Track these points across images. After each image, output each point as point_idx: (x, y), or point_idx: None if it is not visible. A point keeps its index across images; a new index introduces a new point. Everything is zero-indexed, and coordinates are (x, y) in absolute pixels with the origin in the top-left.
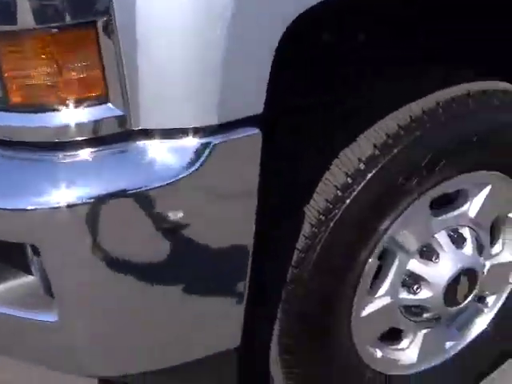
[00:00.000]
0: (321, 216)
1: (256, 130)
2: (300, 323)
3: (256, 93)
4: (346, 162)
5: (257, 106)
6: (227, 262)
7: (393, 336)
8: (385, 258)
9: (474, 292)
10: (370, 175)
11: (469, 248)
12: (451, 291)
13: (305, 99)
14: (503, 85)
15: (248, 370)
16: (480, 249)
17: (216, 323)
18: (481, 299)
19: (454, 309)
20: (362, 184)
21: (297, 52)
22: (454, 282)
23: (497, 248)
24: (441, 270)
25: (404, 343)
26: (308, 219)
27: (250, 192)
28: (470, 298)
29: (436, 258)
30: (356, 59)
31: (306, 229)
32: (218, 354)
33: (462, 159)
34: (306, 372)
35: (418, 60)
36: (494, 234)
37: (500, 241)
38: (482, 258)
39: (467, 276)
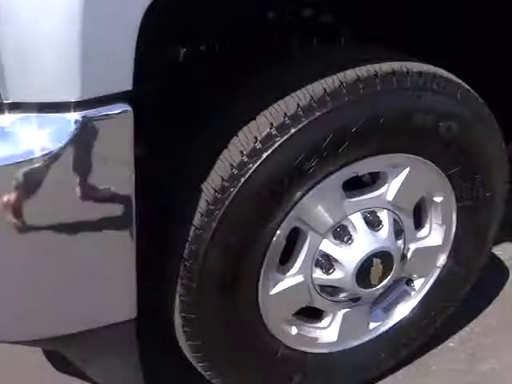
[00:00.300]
0: (216, 194)
1: (126, 107)
2: (199, 299)
3: (123, 69)
4: (243, 141)
5: (125, 83)
6: (109, 232)
7: (314, 314)
8: (297, 238)
9: (391, 275)
10: (265, 154)
11: (384, 231)
12: (364, 273)
13: (184, 77)
14: (419, 66)
15: (152, 340)
16: (399, 232)
17: (107, 293)
18: (408, 282)
19: (371, 290)
20: (258, 163)
21: (166, 29)
22: (367, 265)
23: (424, 232)
24: (352, 252)
25: (325, 322)
26: (205, 196)
27: (123, 168)
28: (385, 281)
29: (349, 240)
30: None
31: (203, 206)
32: (115, 324)
33: (368, 142)
34: (209, 345)
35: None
36: (422, 217)
37: (427, 225)
38: (402, 241)
39: (382, 259)
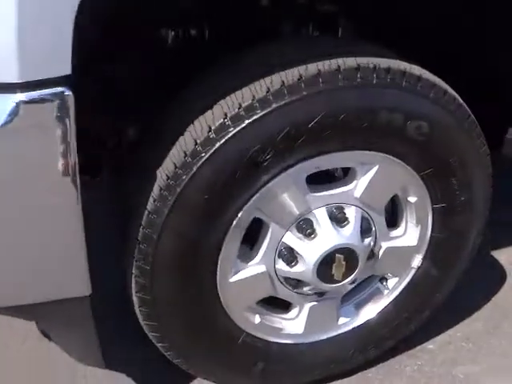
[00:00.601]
0: (169, 180)
1: (66, 91)
2: (153, 281)
3: (60, 53)
4: (198, 130)
5: (63, 67)
6: (55, 205)
7: (282, 305)
8: (261, 228)
9: (356, 272)
10: (218, 144)
11: (350, 228)
12: (325, 269)
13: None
14: (388, 62)
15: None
16: (368, 230)
17: (58, 268)
18: (382, 280)
19: (335, 286)
20: (210, 152)
21: (104, 13)
22: (329, 260)
23: (399, 231)
24: (314, 247)
25: (292, 313)
26: (158, 182)
27: (64, 152)
28: (350, 278)
29: (312, 234)
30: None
31: (156, 191)
32: (70, 300)
33: (328, 138)
34: (166, 326)
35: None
36: (398, 216)
37: (403, 224)
38: (372, 239)
39: (345, 256)
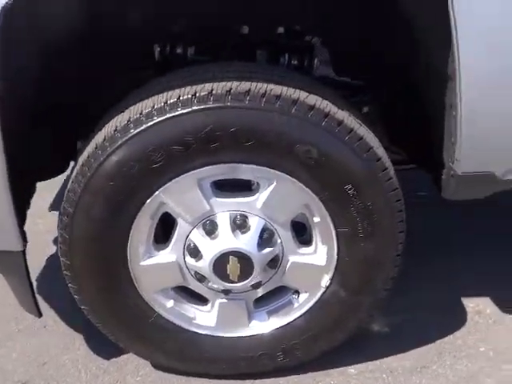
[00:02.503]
0: (83, 166)
1: None
2: (71, 249)
3: None
4: (109, 127)
5: None
6: None
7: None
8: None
9: (252, 276)
10: (120, 142)
11: (248, 235)
12: (221, 267)
13: None
14: (280, 90)
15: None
16: (271, 241)
17: None
18: (295, 293)
19: (233, 286)
20: (114, 147)
21: None
22: (224, 260)
23: (310, 249)
24: (212, 245)
25: (207, 307)
26: (76, 166)
27: None
28: (247, 281)
29: (212, 234)
30: None
31: (74, 173)
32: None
33: (217, 149)
34: (84, 291)
35: None
36: (312, 235)
37: (314, 242)
38: (273, 249)
39: (239, 259)
